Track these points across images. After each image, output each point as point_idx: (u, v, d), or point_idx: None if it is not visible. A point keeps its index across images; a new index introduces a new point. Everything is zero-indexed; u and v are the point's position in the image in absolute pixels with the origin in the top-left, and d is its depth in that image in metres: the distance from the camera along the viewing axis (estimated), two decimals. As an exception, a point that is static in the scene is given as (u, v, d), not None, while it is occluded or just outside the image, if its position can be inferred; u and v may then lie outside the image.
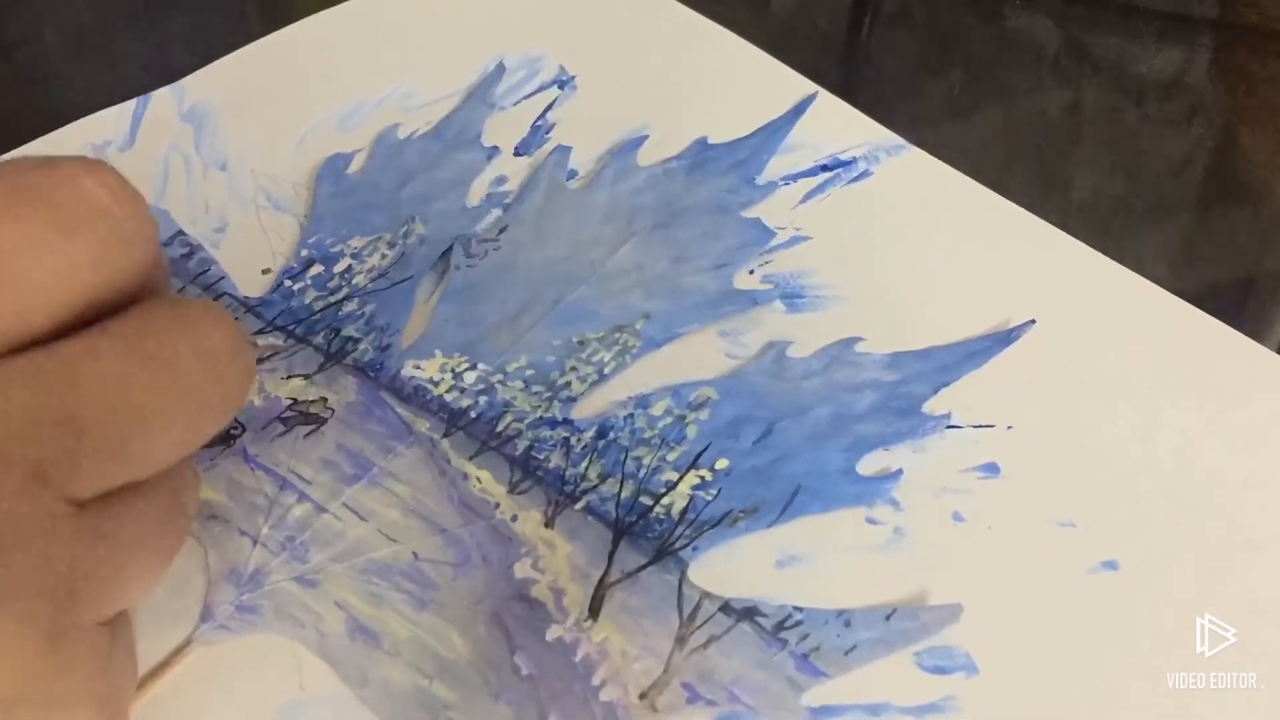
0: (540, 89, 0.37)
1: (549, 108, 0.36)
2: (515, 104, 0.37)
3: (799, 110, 0.36)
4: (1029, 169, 0.37)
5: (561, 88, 0.37)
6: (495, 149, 0.35)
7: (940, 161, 0.34)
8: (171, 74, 0.37)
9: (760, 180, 0.34)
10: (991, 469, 0.27)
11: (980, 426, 0.27)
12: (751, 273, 0.31)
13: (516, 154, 0.35)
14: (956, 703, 0.23)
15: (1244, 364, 0.29)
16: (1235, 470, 0.27)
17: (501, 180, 0.34)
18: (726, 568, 0.25)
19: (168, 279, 0.20)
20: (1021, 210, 0.33)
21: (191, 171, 0.34)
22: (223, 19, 0.43)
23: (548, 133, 0.35)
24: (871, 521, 0.26)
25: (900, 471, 0.27)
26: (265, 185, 0.34)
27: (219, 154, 0.34)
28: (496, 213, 0.33)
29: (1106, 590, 0.25)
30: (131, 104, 0.36)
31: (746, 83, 0.37)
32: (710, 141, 0.35)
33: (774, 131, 0.35)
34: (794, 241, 0.32)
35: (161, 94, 0.36)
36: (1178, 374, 0.29)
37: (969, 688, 0.23)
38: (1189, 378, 0.29)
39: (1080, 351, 0.29)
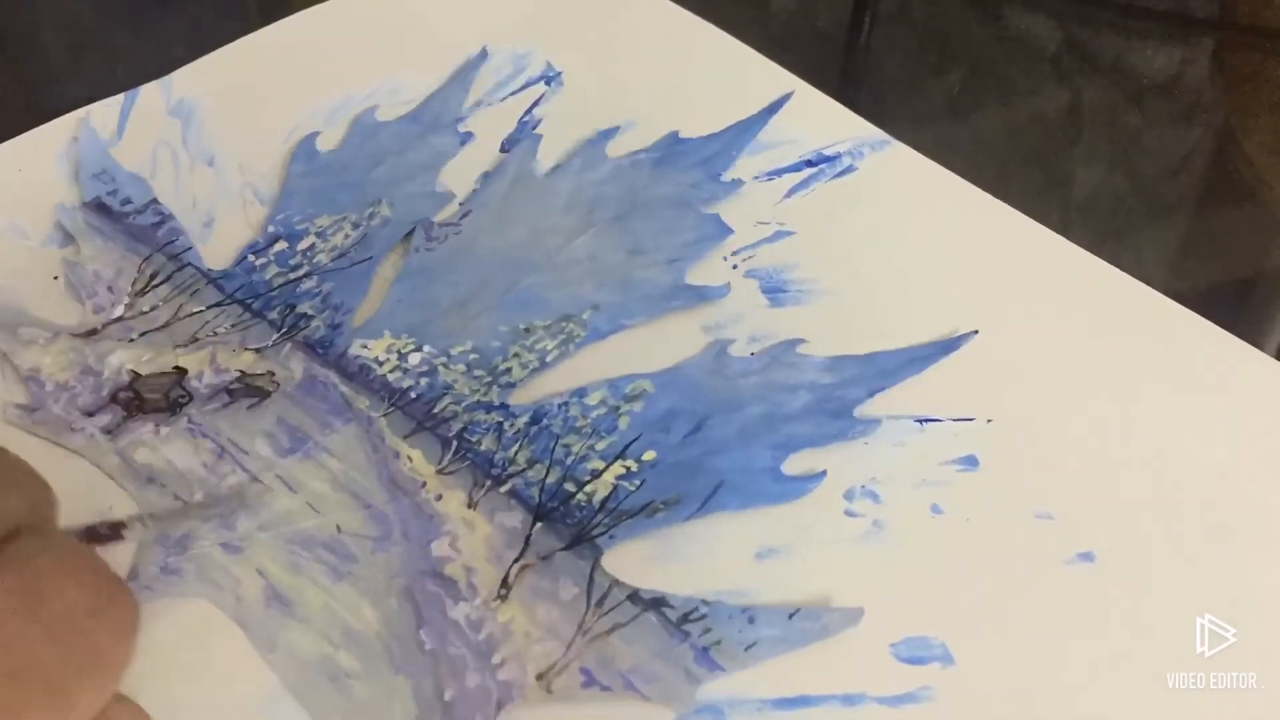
0: (527, 85, 0.37)
1: (535, 104, 0.37)
2: (502, 100, 0.37)
3: (773, 108, 0.36)
4: (1029, 168, 0.37)
5: (548, 84, 0.37)
6: (470, 134, 0.36)
7: (923, 156, 0.34)
8: (170, 71, 0.37)
9: (726, 177, 0.34)
10: (970, 461, 0.27)
11: (960, 420, 0.28)
12: (735, 268, 0.31)
13: (503, 150, 0.35)
14: (932, 693, 0.23)
15: (1219, 356, 0.29)
16: (1211, 462, 0.27)
17: (465, 182, 0.34)
18: (673, 559, 0.25)
19: (55, 511, 0.20)
20: (1002, 204, 0.33)
21: (179, 166, 0.34)
22: (221, 16, 0.43)
23: (534, 128, 0.36)
24: (850, 514, 0.26)
25: (824, 473, 0.27)
26: (252, 180, 0.34)
27: (206, 149, 0.35)
28: (461, 197, 0.34)
29: (1083, 582, 0.25)
30: (119, 99, 0.36)
31: (735, 80, 0.37)
32: (682, 135, 0.35)
33: (745, 129, 0.35)
34: (778, 236, 0.32)
35: (149, 89, 0.37)
36: (1154, 367, 0.29)
37: (945, 678, 0.23)
38: (1166, 370, 0.29)
39: (1058, 345, 0.29)
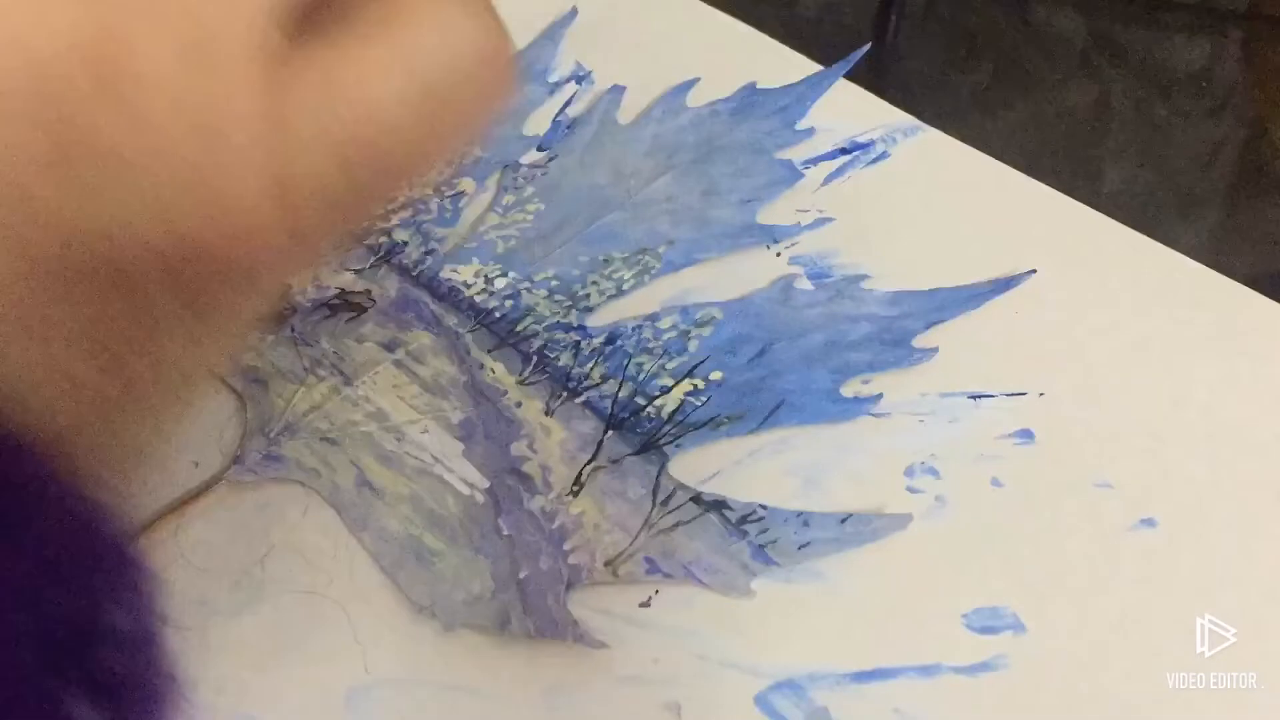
0: (558, 84, 0.38)
1: (568, 103, 0.37)
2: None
3: (848, 61, 0.37)
4: (1058, 163, 0.37)
5: (579, 83, 0.38)
6: (559, 84, 0.38)
7: (956, 140, 0.35)
8: None
9: (800, 125, 0.36)
10: (1026, 435, 0.27)
11: (1013, 395, 0.28)
12: (779, 255, 0.32)
13: (539, 149, 0.35)
14: (1007, 660, 0.24)
15: (1266, 324, 0.30)
16: (1263, 424, 0.27)
17: (552, 127, 0.36)
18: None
19: None
20: (1038, 184, 0.33)
21: None
22: None
23: (568, 127, 0.36)
24: (913, 491, 0.27)
25: (880, 395, 0.28)
26: None
27: None
28: (547, 144, 0.36)
29: (1147, 546, 0.25)
30: None
31: (763, 74, 0.37)
32: (759, 86, 0.37)
33: (820, 80, 0.37)
34: (819, 223, 0.33)
35: None
36: (1204, 337, 0.29)
37: (1018, 645, 0.24)
38: (1215, 340, 0.29)
39: (1104, 318, 0.30)
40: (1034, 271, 0.31)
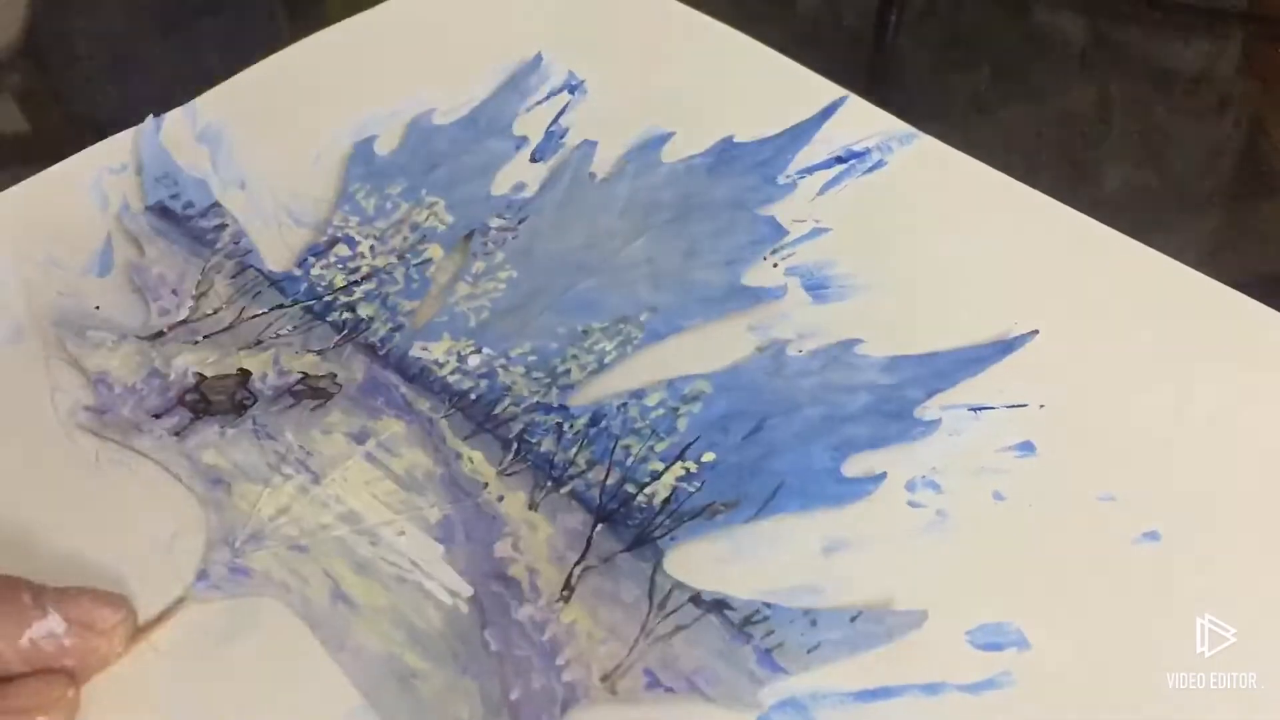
0: (550, 94, 0.37)
1: (561, 112, 0.37)
2: (528, 110, 0.37)
3: (827, 113, 0.36)
4: (1057, 164, 0.37)
5: (571, 92, 0.37)
6: (524, 139, 0.36)
7: (951, 148, 0.34)
8: (205, 81, 0.38)
9: (781, 179, 0.34)
10: (1027, 447, 0.27)
11: (1014, 406, 0.28)
12: (775, 265, 0.31)
13: (534, 160, 0.35)
14: (1012, 678, 0.23)
15: (1267, 333, 0.29)
16: (1266, 432, 0.27)
17: (521, 186, 0.34)
18: (742, 558, 0.26)
19: None
20: (1036, 192, 0.33)
21: (211, 192, 0.34)
22: (255, 27, 0.44)
23: (561, 138, 0.36)
24: (914, 505, 0.26)
25: (885, 474, 0.27)
26: (285, 201, 0.34)
27: (237, 173, 0.35)
28: (516, 203, 0.34)
29: (1151, 560, 0.25)
30: (146, 124, 0.36)
31: (757, 82, 0.37)
32: (736, 140, 0.35)
33: (800, 132, 0.35)
34: (815, 233, 0.32)
35: (175, 115, 0.37)
36: (1204, 346, 0.29)
37: (1022, 662, 0.23)
38: (1216, 349, 0.29)
39: (1104, 328, 0.30)
40: (1035, 333, 0.29)
